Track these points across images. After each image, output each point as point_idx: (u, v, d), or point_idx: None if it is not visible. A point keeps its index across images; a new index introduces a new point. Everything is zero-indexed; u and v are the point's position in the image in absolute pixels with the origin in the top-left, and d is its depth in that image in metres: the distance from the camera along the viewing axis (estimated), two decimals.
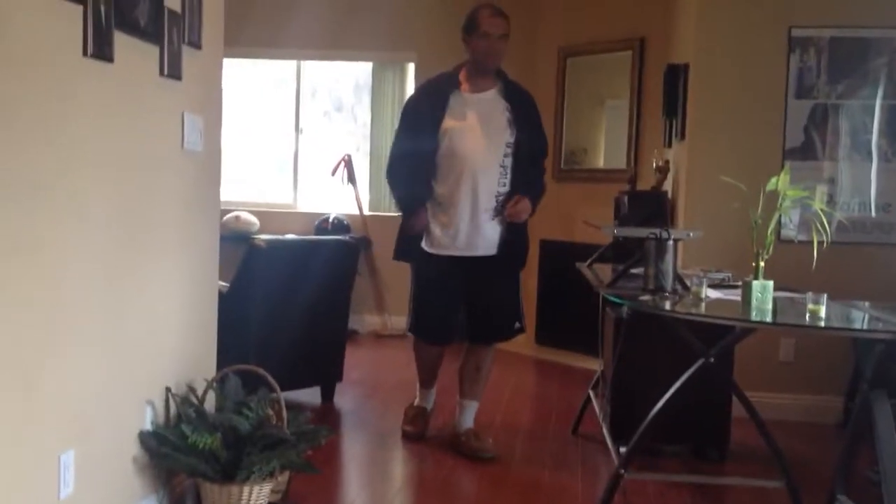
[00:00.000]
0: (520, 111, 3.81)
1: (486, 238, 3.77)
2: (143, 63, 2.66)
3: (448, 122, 3.74)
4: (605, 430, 3.86)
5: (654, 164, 5.24)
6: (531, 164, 3.83)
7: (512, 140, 3.76)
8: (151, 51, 2.69)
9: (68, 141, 2.30)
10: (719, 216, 3.94)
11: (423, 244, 3.80)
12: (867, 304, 3.11)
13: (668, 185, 5.15)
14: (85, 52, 2.31)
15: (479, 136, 3.74)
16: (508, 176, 3.75)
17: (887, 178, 4.60)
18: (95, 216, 2.45)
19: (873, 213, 4.62)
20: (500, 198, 3.75)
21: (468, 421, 3.94)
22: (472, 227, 3.75)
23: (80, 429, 2.43)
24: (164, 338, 2.92)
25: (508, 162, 3.74)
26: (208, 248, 3.25)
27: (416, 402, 4.17)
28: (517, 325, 3.95)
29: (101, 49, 2.35)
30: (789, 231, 4.38)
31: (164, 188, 2.86)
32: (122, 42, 2.48)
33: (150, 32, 2.63)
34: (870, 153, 4.61)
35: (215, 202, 3.31)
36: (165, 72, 2.75)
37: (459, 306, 3.90)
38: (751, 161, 4.42)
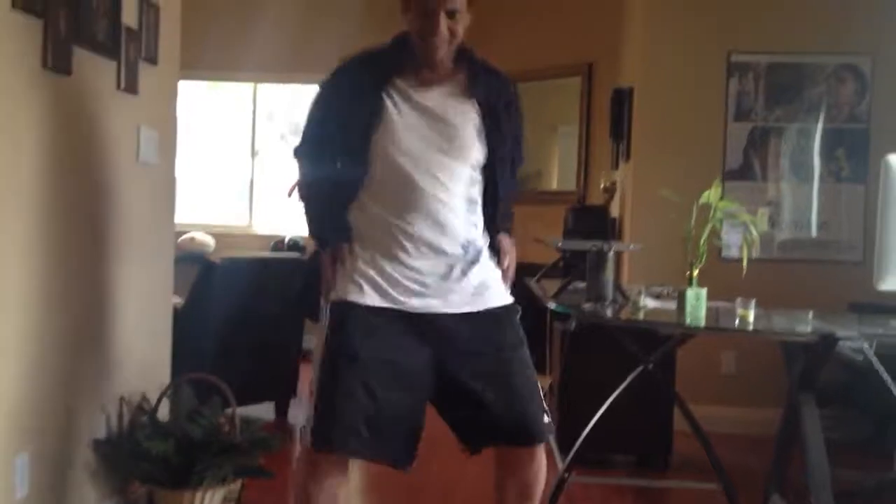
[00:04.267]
0: (496, 112, 2.31)
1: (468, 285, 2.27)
2: (101, 77, 2.74)
3: (383, 135, 2.22)
4: (551, 441, 3.97)
5: (602, 185, 5.42)
6: (507, 187, 2.40)
7: (481, 158, 2.29)
8: (108, 65, 2.77)
9: (25, 150, 2.37)
10: (662, 233, 4.07)
11: (350, 294, 2.21)
12: (810, 313, 3.24)
13: (615, 205, 5.32)
14: (44, 65, 2.38)
15: (427, 153, 2.22)
16: (477, 216, 2.32)
17: (826, 198, 4.80)
18: (52, 225, 2.52)
19: (813, 233, 4.81)
20: (471, 246, 2.28)
21: None
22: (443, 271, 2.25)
23: (34, 433, 2.48)
24: (118, 347, 2.97)
25: (476, 192, 2.30)
26: (163, 259, 3.32)
27: None
28: (545, 416, 2.28)
29: (59, 62, 2.43)
30: (732, 252, 4.55)
31: (119, 200, 2.93)
32: (80, 56, 2.57)
33: (108, 47, 2.72)
34: (808, 175, 4.81)
35: (170, 215, 3.38)
36: (122, 86, 2.84)
37: (423, 398, 2.26)
38: (692, 181, 4.51)
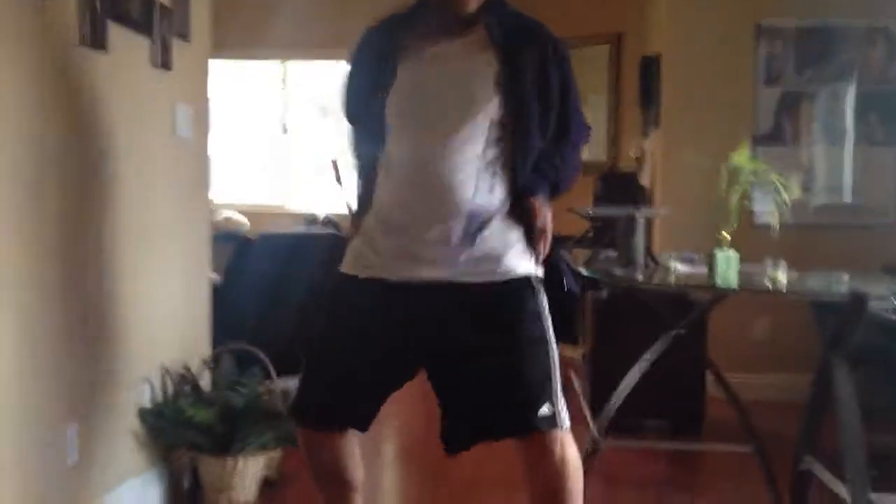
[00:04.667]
0: (519, 61, 2.05)
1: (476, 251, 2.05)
2: (135, 53, 2.80)
3: (392, 99, 2.07)
4: (585, 409, 4.01)
5: (632, 154, 5.43)
6: (551, 150, 2.14)
7: (497, 111, 2.03)
8: (143, 42, 2.83)
9: (63, 126, 2.44)
10: (693, 199, 4.08)
11: (343, 265, 2.14)
12: (843, 275, 3.23)
13: (645, 174, 5.32)
14: (80, 41, 2.45)
15: (432, 108, 2.04)
16: (497, 178, 2.06)
17: (859, 162, 4.77)
18: (92, 202, 2.59)
19: (847, 198, 4.79)
20: (481, 218, 2.04)
21: None
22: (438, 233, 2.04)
23: (83, 405, 2.57)
24: (160, 319, 3.05)
25: (495, 153, 2.04)
26: (201, 233, 3.39)
27: None
28: (544, 406, 2.01)
29: (95, 38, 2.49)
30: (764, 218, 4.53)
31: (157, 175, 3.00)
32: (115, 32, 2.63)
33: (142, 24, 2.78)
34: (840, 139, 4.78)
35: (206, 190, 3.45)
36: (157, 62, 2.89)
37: (401, 379, 2.15)
38: (722, 146, 4.49)
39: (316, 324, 2.14)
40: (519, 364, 1.99)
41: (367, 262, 2.07)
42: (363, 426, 2.16)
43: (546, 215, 2.11)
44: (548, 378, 2.00)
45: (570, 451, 2.02)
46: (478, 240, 2.02)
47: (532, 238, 2.10)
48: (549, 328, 2.05)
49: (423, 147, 2.03)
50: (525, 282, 2.06)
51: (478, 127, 2.02)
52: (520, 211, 2.08)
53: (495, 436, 2.02)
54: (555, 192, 2.14)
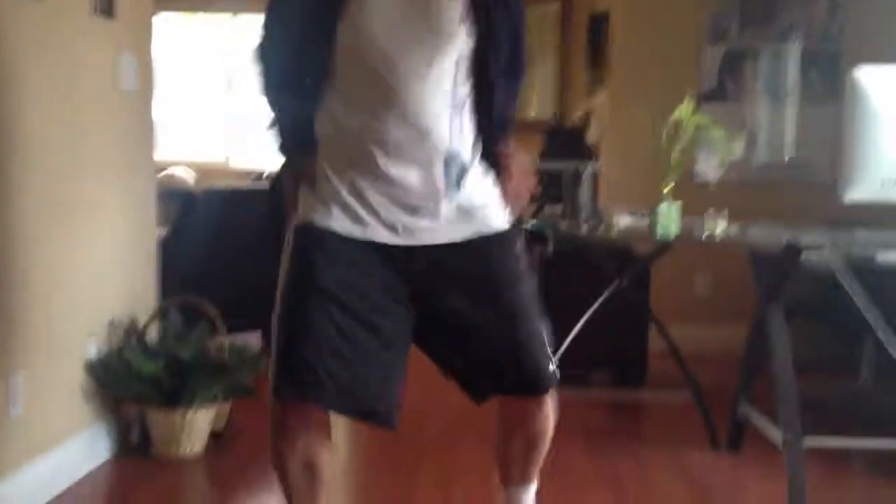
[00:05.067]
0: None
1: (459, 210, 1.91)
2: (74, 0, 2.75)
3: (348, 22, 1.84)
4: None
5: (579, 113, 5.48)
6: (506, 86, 1.98)
7: (466, 48, 1.89)
8: None
9: (2, 78, 2.39)
10: (638, 156, 4.13)
11: (316, 216, 1.89)
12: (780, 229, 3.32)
13: (592, 133, 5.37)
14: None
15: (400, 40, 1.84)
16: (466, 119, 1.92)
17: (799, 120, 4.87)
18: (33, 152, 2.55)
19: (788, 155, 4.89)
20: (457, 158, 1.89)
21: None
22: (424, 189, 1.88)
23: (28, 353, 2.55)
24: (105, 272, 3.03)
25: (464, 93, 1.90)
26: (146, 188, 3.36)
27: None
28: (549, 365, 1.97)
29: None
30: (707, 176, 4.63)
31: (99, 126, 2.96)
32: None
33: None
34: (782, 97, 4.86)
35: (151, 143, 3.41)
36: (98, 9, 2.84)
37: (400, 355, 1.94)
38: (667, 104, 4.61)
39: (296, 279, 1.86)
40: (525, 327, 1.91)
41: (353, 216, 1.86)
42: (387, 415, 1.90)
43: (519, 165, 2.00)
44: (543, 339, 1.96)
45: (553, 406, 2.03)
46: (461, 189, 1.88)
47: (504, 194, 1.98)
48: (534, 284, 1.98)
49: (392, 84, 1.81)
50: (511, 235, 1.96)
51: (448, 63, 1.86)
52: (489, 156, 1.96)
53: (517, 393, 1.99)
54: (503, 140, 2.01)
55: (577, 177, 3.32)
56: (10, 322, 2.46)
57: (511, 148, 2.00)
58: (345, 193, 1.86)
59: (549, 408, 2.02)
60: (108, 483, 2.86)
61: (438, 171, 1.85)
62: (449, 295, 1.90)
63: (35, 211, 2.57)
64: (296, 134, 1.94)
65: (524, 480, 2.14)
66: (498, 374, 1.95)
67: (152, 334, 3.25)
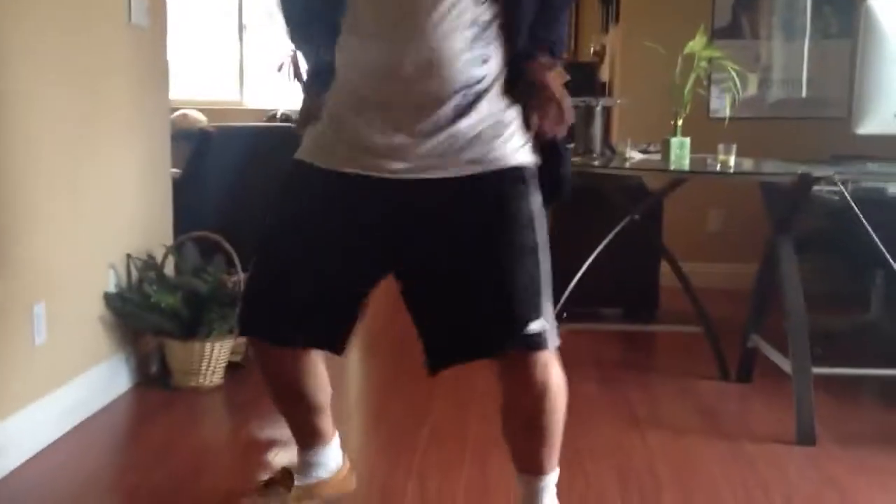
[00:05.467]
0: None
1: (457, 141, 1.72)
2: None
3: None
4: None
5: (592, 49, 5.44)
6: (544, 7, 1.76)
7: None
8: None
9: (13, 13, 2.41)
10: (650, 91, 4.15)
11: (303, 153, 1.84)
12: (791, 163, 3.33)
13: (605, 70, 5.35)
14: None
15: None
16: (492, 47, 1.72)
17: (814, 55, 4.83)
18: (47, 87, 2.57)
19: (803, 92, 4.86)
20: (473, 94, 1.71)
21: None
22: (414, 115, 1.71)
23: (50, 284, 2.60)
24: (122, 207, 3.07)
25: (485, 10, 1.70)
26: (160, 124, 3.38)
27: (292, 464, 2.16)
28: (534, 320, 1.71)
29: None
30: (720, 112, 4.62)
31: (112, 62, 2.97)
32: None
33: None
34: (798, 32, 4.82)
35: (165, 81, 3.42)
36: None
37: (364, 287, 1.85)
38: (680, 39, 4.60)
39: (267, 219, 1.84)
40: (502, 276, 1.69)
41: (330, 149, 1.77)
42: (336, 346, 1.85)
43: (554, 81, 1.75)
44: (536, 292, 1.70)
45: (553, 376, 1.75)
46: (465, 120, 1.69)
47: (530, 117, 1.76)
48: (542, 234, 1.73)
49: (405, 9, 1.67)
50: (518, 174, 1.72)
51: None
52: (517, 85, 1.75)
53: (471, 355, 1.74)
54: (553, 56, 1.77)
55: (588, 112, 3.33)
56: (33, 255, 2.50)
57: (550, 62, 1.75)
58: (335, 126, 1.77)
59: (544, 378, 1.73)
60: (129, 412, 2.93)
61: (446, 105, 1.68)
62: (430, 235, 1.74)
63: (53, 147, 2.60)
64: (313, 73, 1.86)
65: (533, 469, 1.86)
66: (459, 331, 1.73)
67: (169, 269, 3.30)
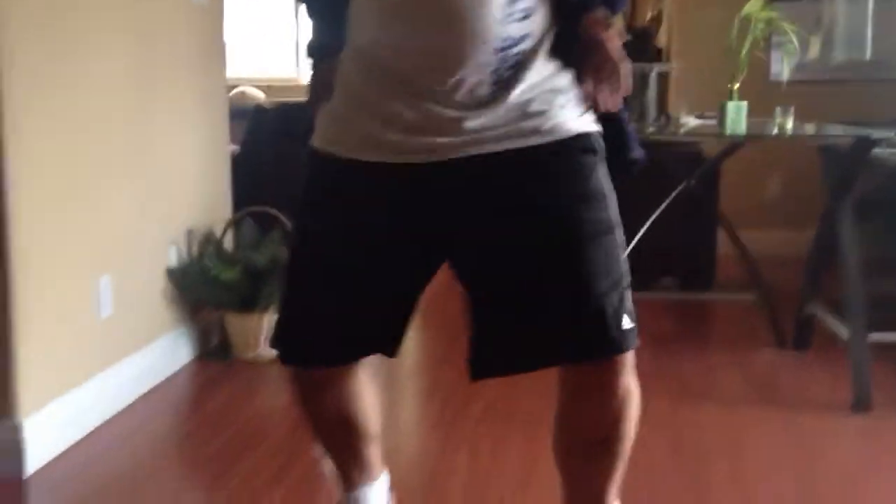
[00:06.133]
0: None
1: (499, 113, 1.43)
2: None
3: None
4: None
5: (649, 15, 5.35)
6: None
7: None
8: None
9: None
10: (707, 56, 4.08)
11: (320, 140, 1.54)
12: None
13: (662, 36, 5.26)
14: None
15: None
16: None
17: (879, 15, 4.69)
18: (111, 68, 2.64)
19: (868, 54, 4.73)
20: (517, 56, 1.42)
21: None
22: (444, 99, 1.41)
23: (114, 258, 2.68)
24: (183, 183, 3.14)
25: None
26: (218, 99, 3.44)
27: None
28: (625, 321, 1.43)
29: None
30: (781, 74, 4.52)
31: (172, 41, 3.03)
32: None
33: None
34: None
35: (223, 57, 3.48)
36: None
37: (416, 287, 1.57)
38: (739, 4, 4.53)
39: (295, 223, 1.61)
40: (582, 263, 1.40)
41: (354, 133, 1.46)
42: (391, 349, 1.57)
43: (612, 40, 1.45)
44: (621, 281, 1.42)
45: (633, 379, 1.47)
46: (515, 88, 1.41)
47: (584, 84, 1.46)
48: (615, 209, 1.46)
49: None
50: (585, 143, 1.44)
51: None
52: (570, 45, 1.45)
53: (547, 360, 1.45)
54: (612, 9, 1.49)
55: (644, 78, 3.29)
56: (98, 229, 2.58)
57: (607, 18, 1.46)
58: (355, 105, 1.46)
59: (627, 387, 1.44)
60: (190, 383, 3.02)
61: (485, 70, 1.39)
62: (488, 226, 1.44)
63: (117, 126, 2.67)
64: (322, 30, 1.60)
65: (592, 499, 1.52)
66: (538, 328, 1.42)
67: (228, 243, 3.37)
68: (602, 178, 1.46)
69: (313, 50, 1.60)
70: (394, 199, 1.46)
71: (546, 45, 1.45)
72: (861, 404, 2.60)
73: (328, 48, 1.55)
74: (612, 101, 1.48)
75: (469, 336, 1.48)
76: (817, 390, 2.84)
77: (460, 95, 1.39)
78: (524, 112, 1.41)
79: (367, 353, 1.60)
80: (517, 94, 1.41)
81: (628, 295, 1.44)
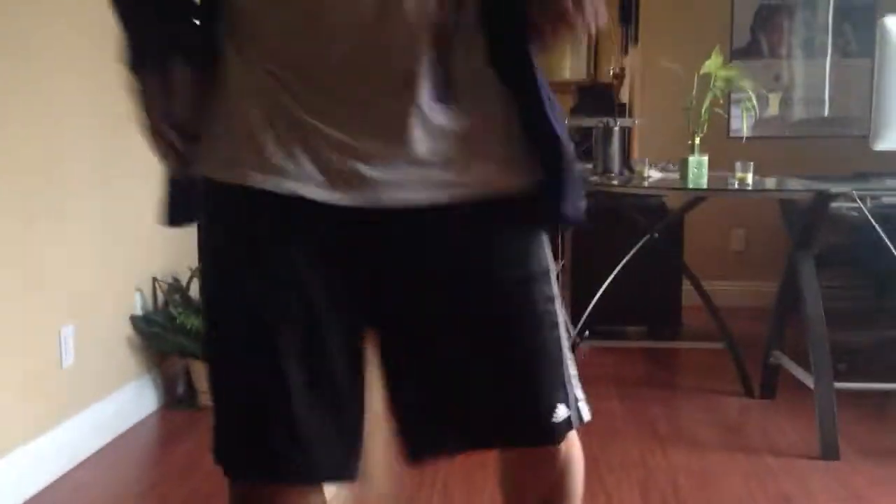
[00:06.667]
0: None
1: (435, 151, 1.10)
2: None
3: None
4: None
5: (611, 72, 5.47)
6: None
7: None
8: None
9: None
10: (669, 112, 4.18)
11: (210, 168, 1.16)
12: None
13: (625, 91, 5.38)
14: None
15: None
16: None
17: (835, 74, 4.84)
18: (75, 104, 2.64)
19: (826, 112, 4.87)
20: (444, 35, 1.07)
21: None
22: (384, 115, 1.08)
23: (78, 307, 2.66)
24: (149, 232, 3.12)
25: None
26: None
27: None
28: (560, 406, 1.19)
29: None
30: (740, 131, 4.64)
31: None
32: None
33: None
34: (817, 51, 4.83)
35: None
36: None
37: (358, 373, 1.18)
38: (699, 59, 4.65)
39: (208, 290, 1.23)
40: (524, 347, 1.19)
41: (271, 162, 1.10)
42: (350, 471, 1.23)
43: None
44: (560, 362, 1.21)
45: (575, 447, 1.29)
46: (443, 113, 1.10)
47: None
48: (555, 278, 1.25)
49: None
50: (525, 207, 1.16)
51: None
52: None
53: (475, 444, 1.24)
54: None
55: (607, 131, 3.35)
56: (62, 278, 2.56)
57: None
58: (261, 120, 1.11)
59: (564, 453, 1.26)
60: (156, 432, 2.97)
61: (415, 86, 1.08)
62: (413, 288, 1.16)
63: (81, 174, 2.67)
64: (155, 38, 1.18)
65: None
66: (467, 415, 1.20)
67: (194, 291, 3.34)
68: (543, 242, 1.22)
69: (139, 49, 1.18)
70: (321, 250, 1.13)
71: (480, 37, 1.12)
72: (829, 452, 2.63)
73: (163, 42, 1.17)
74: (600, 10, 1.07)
75: (396, 418, 1.24)
76: (786, 437, 2.87)
77: (403, 116, 1.08)
78: (454, 153, 1.12)
79: (332, 476, 1.22)
80: (450, 122, 1.11)
81: (569, 374, 1.23)
